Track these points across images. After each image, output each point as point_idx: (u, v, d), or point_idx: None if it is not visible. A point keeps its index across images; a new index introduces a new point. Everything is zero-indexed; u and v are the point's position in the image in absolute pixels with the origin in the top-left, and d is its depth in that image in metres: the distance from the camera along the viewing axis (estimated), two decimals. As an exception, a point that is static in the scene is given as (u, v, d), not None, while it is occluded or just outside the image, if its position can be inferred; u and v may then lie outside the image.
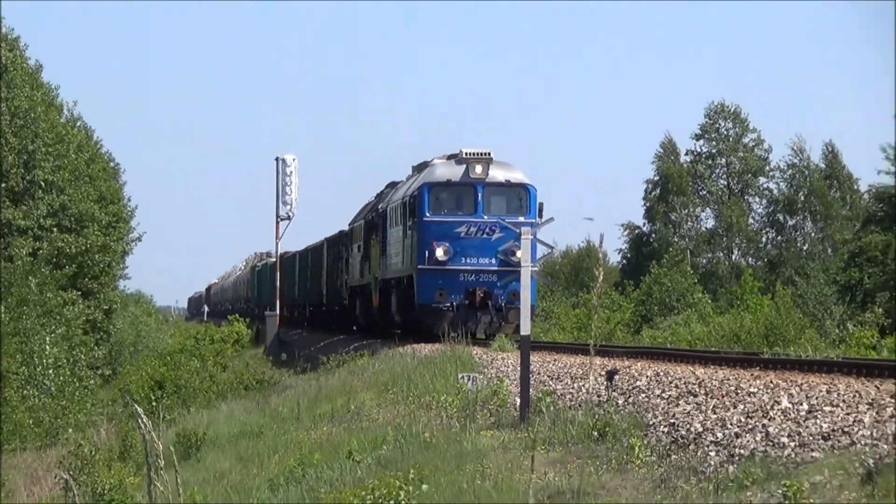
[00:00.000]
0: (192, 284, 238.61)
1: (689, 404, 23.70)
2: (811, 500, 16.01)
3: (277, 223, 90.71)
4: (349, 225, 72.23)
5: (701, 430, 21.46)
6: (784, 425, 19.86)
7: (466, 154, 49.79)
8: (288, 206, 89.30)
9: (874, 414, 18.84)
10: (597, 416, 24.86)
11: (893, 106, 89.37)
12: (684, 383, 25.84)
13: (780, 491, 16.47)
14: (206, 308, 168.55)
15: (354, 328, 71.32)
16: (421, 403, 33.87)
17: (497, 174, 49.71)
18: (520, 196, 49.64)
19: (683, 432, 21.81)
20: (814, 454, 18.11)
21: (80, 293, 70.08)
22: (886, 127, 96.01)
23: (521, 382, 28.53)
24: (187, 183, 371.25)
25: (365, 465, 26.82)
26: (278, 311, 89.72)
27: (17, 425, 45.22)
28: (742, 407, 21.93)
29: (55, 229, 70.00)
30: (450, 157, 51.63)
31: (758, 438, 19.72)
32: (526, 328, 29.24)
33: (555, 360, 35.32)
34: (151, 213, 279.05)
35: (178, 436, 41.60)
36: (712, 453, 20.00)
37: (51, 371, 49.46)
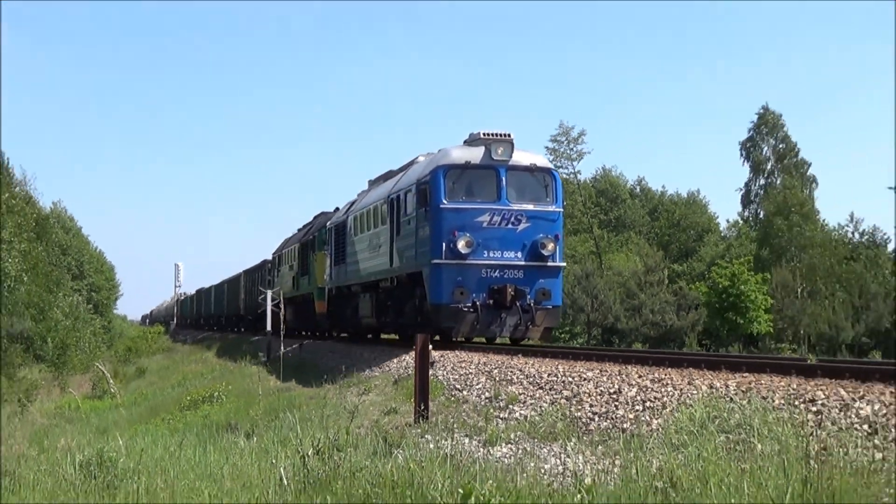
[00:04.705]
0: (144, 307, 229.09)
1: (332, 354, 23.71)
2: (350, 391, 16.24)
3: (175, 292, 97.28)
4: (273, 254, 43.75)
5: (334, 365, 20.69)
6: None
7: (485, 135, 20.07)
8: (179, 286, 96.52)
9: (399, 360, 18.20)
10: (299, 360, 25.48)
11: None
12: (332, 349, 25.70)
13: (363, 387, 16.56)
14: (148, 320, 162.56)
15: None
16: (231, 356, 34.78)
17: (521, 157, 20.24)
18: (545, 182, 20.25)
19: (331, 366, 21.30)
20: (375, 373, 18.25)
21: (99, 314, 71.05)
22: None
23: (268, 346, 29.45)
24: (143, 257, 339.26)
25: (206, 379, 27.82)
26: (176, 320, 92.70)
27: (74, 363, 46.17)
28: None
29: (87, 290, 71.61)
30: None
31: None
32: (269, 325, 29.77)
33: (285, 340, 34.66)
34: (124, 272, 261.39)
35: (136, 369, 42.80)
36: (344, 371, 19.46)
37: (87, 344, 50.22)
